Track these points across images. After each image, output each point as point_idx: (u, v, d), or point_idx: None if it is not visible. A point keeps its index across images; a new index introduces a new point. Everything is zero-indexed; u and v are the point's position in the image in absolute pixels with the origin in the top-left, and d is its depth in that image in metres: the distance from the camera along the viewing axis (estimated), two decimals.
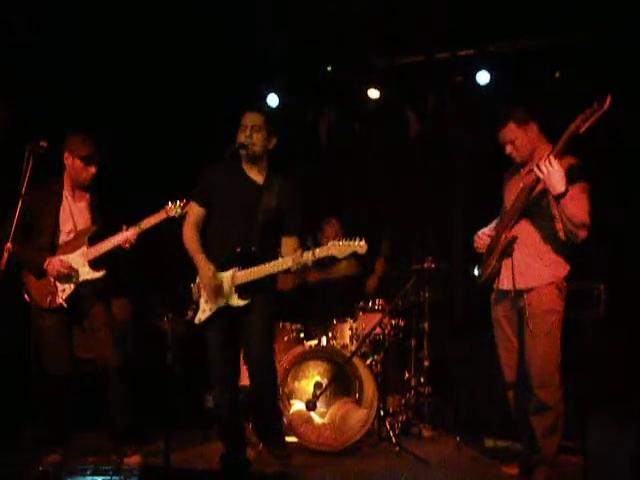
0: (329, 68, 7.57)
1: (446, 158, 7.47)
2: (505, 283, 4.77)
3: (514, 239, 4.69)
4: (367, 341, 6.09)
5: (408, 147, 7.59)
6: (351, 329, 6.19)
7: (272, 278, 4.74)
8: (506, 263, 4.75)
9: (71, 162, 5.20)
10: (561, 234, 4.62)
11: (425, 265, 6.41)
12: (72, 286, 5.16)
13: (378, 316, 6.15)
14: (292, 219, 4.80)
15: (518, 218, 4.71)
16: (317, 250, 4.46)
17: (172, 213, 5.10)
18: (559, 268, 4.71)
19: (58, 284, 5.14)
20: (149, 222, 5.18)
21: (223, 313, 4.70)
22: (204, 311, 4.74)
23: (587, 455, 4.39)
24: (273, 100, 7.64)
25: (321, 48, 7.16)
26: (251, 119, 4.73)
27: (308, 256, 4.46)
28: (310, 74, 7.67)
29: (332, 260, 6.71)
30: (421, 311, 6.61)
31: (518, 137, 4.74)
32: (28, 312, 5.25)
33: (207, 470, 4.81)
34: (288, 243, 4.79)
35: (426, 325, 6.57)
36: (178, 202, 5.12)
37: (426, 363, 6.55)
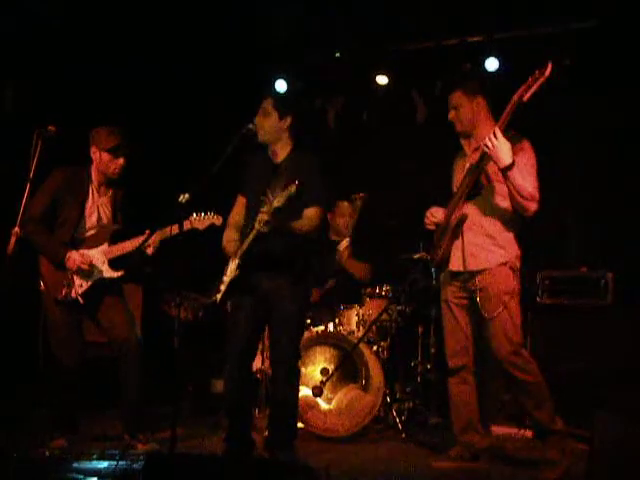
0: (337, 54, 7.54)
1: (453, 145, 7.43)
2: (455, 264, 4.77)
3: (464, 218, 4.69)
4: (374, 327, 6.11)
5: (416, 133, 7.55)
6: (358, 315, 6.20)
7: (295, 265, 4.70)
8: (456, 244, 4.74)
9: (98, 156, 5.18)
10: (515, 214, 4.63)
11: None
12: (90, 282, 5.14)
13: (385, 302, 6.15)
14: (309, 191, 4.64)
15: (467, 198, 4.71)
16: (268, 204, 4.39)
17: (197, 226, 5.05)
18: (511, 248, 4.69)
19: (76, 278, 5.12)
20: (173, 230, 4.97)
21: (248, 292, 4.69)
22: (220, 291, 4.71)
23: (593, 443, 4.39)
24: (281, 86, 7.62)
25: (330, 34, 7.14)
26: (262, 104, 4.76)
27: (263, 213, 4.39)
28: (318, 60, 7.64)
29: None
30: (428, 297, 6.60)
31: (462, 105, 4.81)
32: (37, 297, 5.25)
33: (212, 455, 4.83)
34: (304, 214, 4.69)
35: (433, 312, 6.57)
36: (203, 214, 5.07)
37: (433, 350, 6.55)
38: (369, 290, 6.42)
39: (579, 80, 6.25)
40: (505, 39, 6.90)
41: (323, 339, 5.96)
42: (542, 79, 4.33)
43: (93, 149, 5.19)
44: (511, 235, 4.70)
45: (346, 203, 6.89)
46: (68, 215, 5.17)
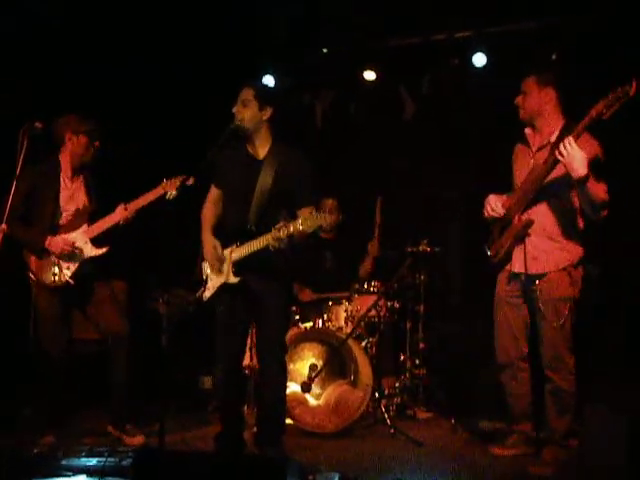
0: (324, 50, 7.53)
1: (442, 140, 7.45)
2: (517, 266, 4.76)
3: (530, 223, 4.67)
4: (362, 323, 6.11)
5: (404, 129, 7.56)
6: (346, 311, 6.20)
7: (281, 264, 4.67)
8: (519, 245, 4.72)
9: (76, 140, 5.30)
10: (579, 216, 4.63)
11: (420, 248, 6.41)
12: (76, 264, 5.24)
13: (373, 298, 6.16)
14: (301, 191, 4.70)
15: (532, 199, 4.68)
16: (290, 226, 4.40)
17: (168, 189, 5.18)
18: (573, 252, 4.69)
19: (62, 262, 5.21)
20: (146, 199, 5.29)
21: (233, 293, 4.69)
22: (209, 289, 4.77)
23: (582, 439, 4.42)
24: (269, 82, 7.60)
25: (317, 30, 7.13)
26: (241, 94, 4.71)
27: (284, 232, 4.39)
28: (306, 56, 7.63)
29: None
30: (416, 293, 6.62)
31: (530, 92, 4.76)
32: (27, 292, 5.27)
33: (201, 451, 4.83)
34: (302, 215, 4.63)
35: (421, 307, 6.58)
36: (173, 180, 5.22)
37: (421, 345, 6.57)
38: (357, 286, 6.42)
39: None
40: (493, 34, 6.88)
41: (312, 335, 5.97)
42: (625, 99, 4.15)
43: (68, 135, 5.31)
44: (575, 238, 4.69)
45: (330, 200, 6.89)
46: (44, 206, 5.27)
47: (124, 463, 4.46)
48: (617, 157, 5.57)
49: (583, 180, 4.33)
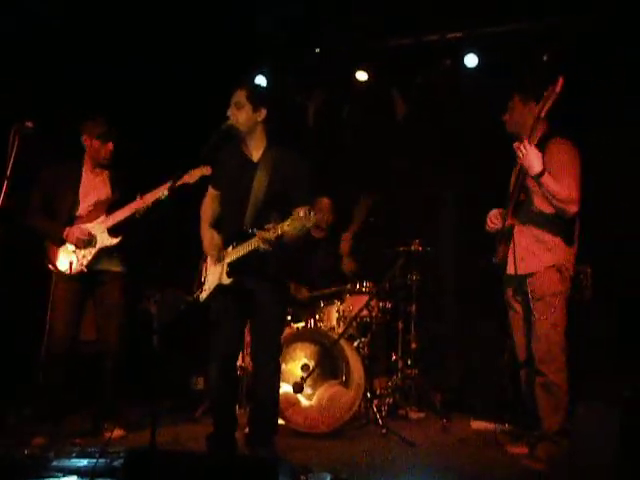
0: (317, 50, 7.52)
1: (433, 141, 7.45)
2: (510, 268, 4.88)
3: (512, 226, 4.83)
4: (354, 323, 6.11)
5: (396, 129, 7.56)
6: (338, 311, 6.20)
7: (273, 265, 4.66)
8: (510, 249, 4.87)
9: (89, 143, 5.53)
10: (552, 211, 4.73)
11: (412, 247, 6.41)
12: (92, 252, 5.41)
13: (365, 298, 6.16)
14: (296, 191, 4.68)
15: (516, 203, 4.84)
16: (278, 228, 4.39)
17: (187, 180, 5.26)
18: (559, 250, 4.81)
19: (78, 251, 5.38)
20: (162, 190, 5.39)
21: (228, 294, 4.69)
22: (205, 290, 4.79)
23: (574, 435, 4.44)
24: (261, 82, 7.59)
25: (309, 30, 7.14)
26: (234, 96, 4.70)
27: (271, 234, 4.37)
28: (298, 56, 7.63)
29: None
30: (408, 293, 6.62)
31: (515, 108, 4.97)
32: (27, 293, 5.37)
33: (193, 452, 4.82)
34: (292, 215, 4.59)
35: (413, 307, 6.59)
36: (193, 172, 5.31)
37: (413, 345, 6.57)
38: (349, 286, 6.42)
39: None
40: (485, 35, 6.89)
41: (304, 335, 5.97)
42: (554, 96, 4.47)
43: (84, 137, 5.55)
44: (559, 238, 4.82)
45: (325, 199, 6.88)
46: (63, 201, 5.47)
47: (115, 464, 4.44)
48: (606, 153, 5.63)
49: (538, 176, 4.56)
